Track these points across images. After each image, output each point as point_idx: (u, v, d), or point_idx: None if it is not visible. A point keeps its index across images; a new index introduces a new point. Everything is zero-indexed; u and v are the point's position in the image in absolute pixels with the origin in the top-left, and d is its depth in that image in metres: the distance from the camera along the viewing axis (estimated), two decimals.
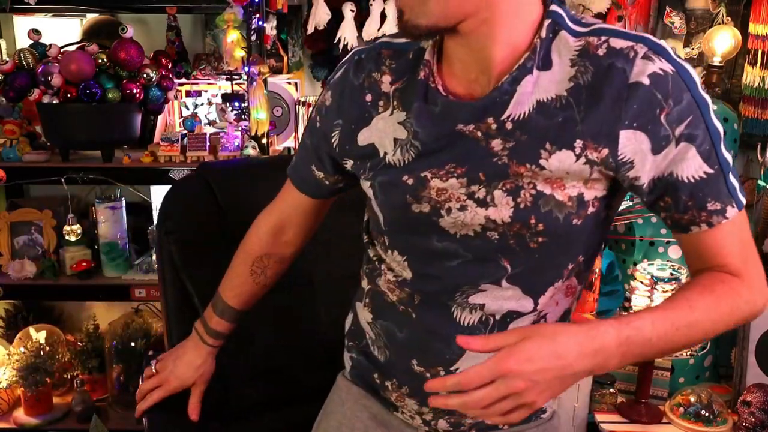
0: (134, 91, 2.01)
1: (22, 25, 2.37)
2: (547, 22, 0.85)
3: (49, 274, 2.14)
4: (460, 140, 0.89)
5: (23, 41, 2.25)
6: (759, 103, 2.28)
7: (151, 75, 2.04)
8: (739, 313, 0.90)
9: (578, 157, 0.85)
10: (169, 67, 2.16)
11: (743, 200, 0.89)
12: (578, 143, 0.84)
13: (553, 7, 0.86)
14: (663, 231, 2.26)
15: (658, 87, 0.81)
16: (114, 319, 2.37)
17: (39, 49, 2.04)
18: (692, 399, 2.08)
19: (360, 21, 2.30)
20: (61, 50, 2.03)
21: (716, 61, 2.24)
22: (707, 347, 2.06)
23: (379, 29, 2.29)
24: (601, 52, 0.83)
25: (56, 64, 1.95)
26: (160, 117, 2.28)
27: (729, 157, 0.87)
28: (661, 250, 2.25)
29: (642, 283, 2.02)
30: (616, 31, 0.84)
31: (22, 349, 2.21)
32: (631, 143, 0.83)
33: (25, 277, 2.12)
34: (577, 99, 0.83)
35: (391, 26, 2.28)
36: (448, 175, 0.90)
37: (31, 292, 2.19)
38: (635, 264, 2.15)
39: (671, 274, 2.01)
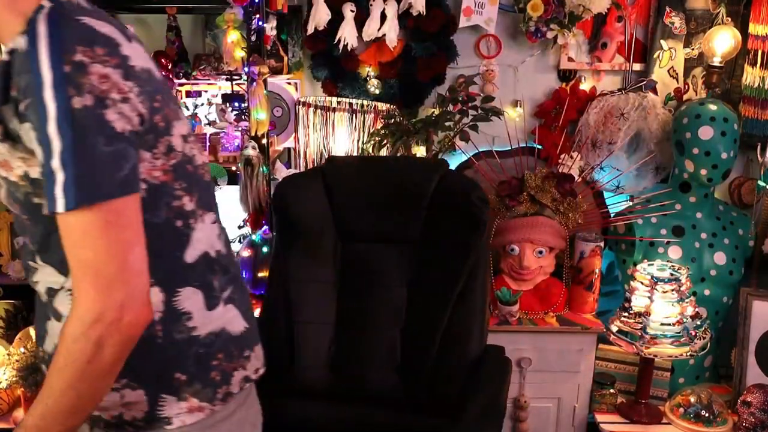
0: None
1: None
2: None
3: None
4: None
5: None
6: (759, 103, 2.28)
7: None
8: (78, 358, 0.82)
9: None
10: (169, 67, 2.16)
11: (74, 201, 0.79)
12: None
13: (43, 2, 0.85)
14: (663, 231, 2.26)
15: (13, 64, 0.82)
16: None
17: None
18: (692, 399, 2.07)
19: (360, 21, 2.30)
20: None
21: (716, 61, 2.24)
22: (707, 347, 2.06)
23: (378, 29, 2.30)
24: None
25: None
26: None
27: (75, 149, 0.79)
28: (661, 250, 2.25)
29: (642, 283, 2.02)
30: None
31: (22, 349, 2.21)
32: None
33: (25, 277, 2.12)
34: None
35: (390, 26, 2.29)
36: None
37: (31, 292, 2.18)
38: (635, 264, 2.15)
39: (671, 274, 2.01)
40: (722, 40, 2.22)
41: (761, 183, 2.25)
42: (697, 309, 2.05)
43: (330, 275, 1.77)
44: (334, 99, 2.43)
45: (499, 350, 1.75)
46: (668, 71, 2.40)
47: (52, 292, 0.98)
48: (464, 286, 1.67)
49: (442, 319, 1.66)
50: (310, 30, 2.30)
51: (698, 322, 2.03)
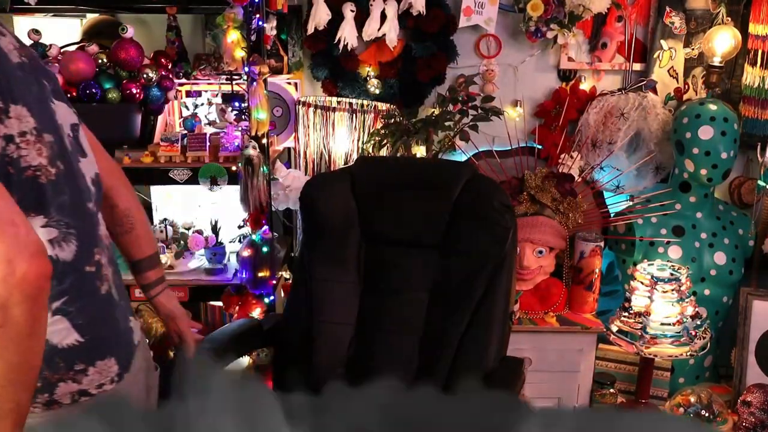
0: (134, 91, 2.00)
1: (22, 25, 2.37)
2: None
3: None
4: None
5: (23, 41, 2.25)
6: (759, 103, 2.29)
7: (151, 75, 2.03)
8: None
9: None
10: (169, 67, 2.16)
11: None
12: None
13: None
14: (663, 231, 2.26)
15: None
16: None
17: (39, 49, 2.04)
18: (692, 399, 2.08)
19: (360, 21, 2.30)
20: (61, 50, 2.03)
21: (716, 61, 2.24)
22: (707, 347, 2.06)
23: (378, 29, 2.30)
24: None
25: (56, 65, 1.95)
26: (160, 117, 2.27)
27: None
28: (661, 250, 2.25)
29: (642, 283, 2.02)
30: None
31: None
32: None
33: None
34: None
35: (390, 26, 2.29)
36: None
37: None
38: (635, 264, 2.15)
39: (671, 274, 2.01)
40: (722, 40, 2.22)
41: (761, 183, 2.25)
42: (697, 309, 2.05)
43: (353, 276, 1.75)
44: (334, 99, 2.43)
45: (517, 363, 1.65)
46: (668, 71, 2.40)
47: None
48: (484, 296, 1.61)
49: (459, 328, 1.61)
50: (310, 30, 2.30)
51: (698, 322, 2.03)
